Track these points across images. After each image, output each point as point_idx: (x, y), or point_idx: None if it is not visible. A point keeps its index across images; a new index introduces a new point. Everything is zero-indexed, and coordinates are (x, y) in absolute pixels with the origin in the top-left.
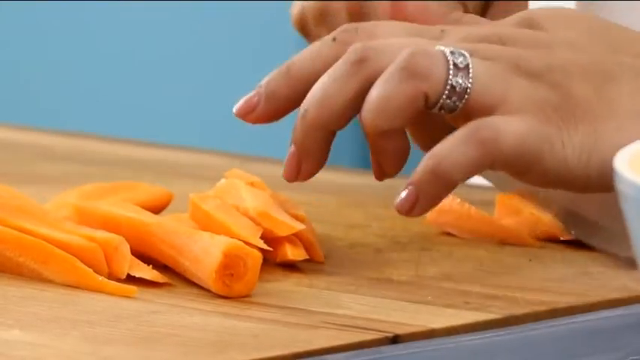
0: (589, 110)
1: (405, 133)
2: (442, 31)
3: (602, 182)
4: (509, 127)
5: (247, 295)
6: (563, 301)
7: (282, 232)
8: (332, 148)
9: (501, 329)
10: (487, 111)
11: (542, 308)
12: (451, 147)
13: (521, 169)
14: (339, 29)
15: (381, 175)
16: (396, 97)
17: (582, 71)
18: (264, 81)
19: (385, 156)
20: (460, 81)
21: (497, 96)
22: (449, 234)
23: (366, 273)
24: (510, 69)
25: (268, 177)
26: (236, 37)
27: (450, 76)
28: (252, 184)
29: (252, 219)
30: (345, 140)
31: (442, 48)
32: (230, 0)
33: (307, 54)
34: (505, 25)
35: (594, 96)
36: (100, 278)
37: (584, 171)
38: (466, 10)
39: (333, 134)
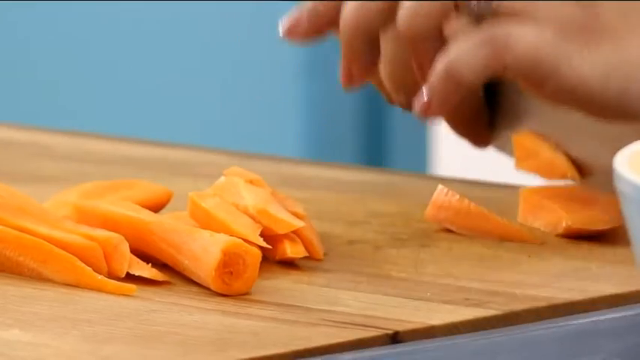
0: (614, 33)
1: (442, 37)
2: None
3: (620, 105)
4: (524, 35)
5: (247, 293)
6: (563, 296)
7: (281, 230)
8: (332, 145)
9: (502, 328)
10: (514, 18)
11: (542, 304)
12: (463, 47)
13: (536, 79)
14: None
15: (350, 80)
16: None
17: None
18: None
19: (420, 61)
20: None
21: (524, 3)
22: (448, 230)
23: (366, 270)
24: None
25: (267, 175)
26: (236, 36)
27: None
28: (251, 182)
29: (251, 217)
30: (344, 137)
31: None
32: (230, 0)
33: None
34: None
35: (621, 21)
36: (100, 277)
37: (603, 90)
38: None
39: (376, 35)
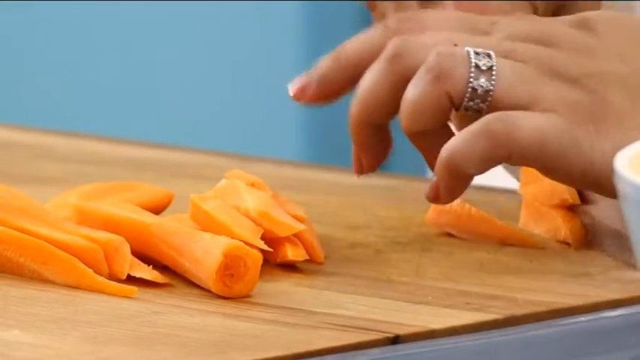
0: (623, 119)
1: (448, 129)
2: (493, 23)
3: None
4: (528, 122)
5: (247, 296)
6: (564, 301)
7: (282, 233)
8: (334, 148)
9: (502, 330)
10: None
11: (543, 309)
12: (463, 140)
13: (546, 166)
14: (392, 17)
15: (361, 170)
16: (423, 99)
17: (621, 81)
18: (317, 64)
19: (430, 155)
20: (482, 83)
21: (524, 97)
22: (449, 234)
23: (367, 273)
24: (544, 72)
25: (269, 177)
26: (237, 38)
27: (472, 78)
28: (252, 185)
29: (252, 219)
30: (346, 140)
31: (468, 49)
32: (231, 0)
33: (358, 40)
34: (557, 23)
35: (630, 106)
36: (101, 279)
37: (612, 176)
38: (535, 12)
39: (382, 127)
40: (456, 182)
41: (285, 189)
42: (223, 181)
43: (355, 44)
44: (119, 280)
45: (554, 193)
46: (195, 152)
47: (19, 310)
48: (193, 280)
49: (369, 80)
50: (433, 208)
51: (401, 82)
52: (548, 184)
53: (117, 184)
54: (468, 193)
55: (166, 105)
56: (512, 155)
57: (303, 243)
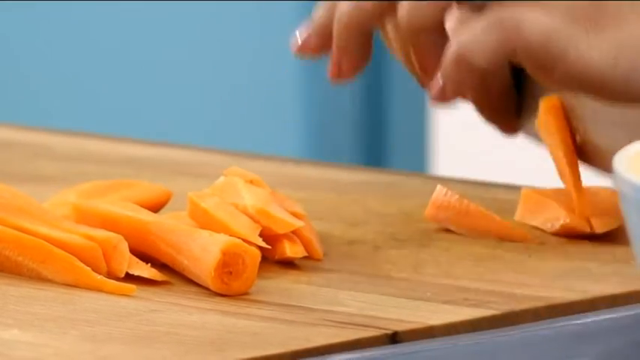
0: (619, 16)
1: (443, 34)
2: None
3: (628, 87)
4: (535, 19)
5: (246, 293)
6: (563, 296)
7: (280, 230)
8: (332, 145)
9: (501, 328)
10: (521, 5)
11: (542, 304)
12: (474, 32)
13: (545, 64)
14: None
15: (339, 74)
16: None
17: None
18: (314, 16)
19: (422, 56)
20: None
21: None
22: (448, 230)
23: (365, 270)
24: None
25: (267, 175)
26: (235, 37)
27: None
28: (250, 182)
29: (250, 217)
30: (344, 137)
31: None
32: (228, 0)
33: None
34: None
35: (626, 9)
36: (99, 277)
37: (611, 73)
38: None
39: (369, 32)
40: (464, 75)
41: (283, 186)
42: (221, 179)
43: None
44: (117, 279)
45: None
46: (194, 150)
47: (17, 309)
48: (192, 277)
49: None
50: (432, 204)
51: None
52: (554, 212)
53: (115, 183)
54: (466, 189)
55: (165, 104)
56: (518, 52)
57: (301, 240)
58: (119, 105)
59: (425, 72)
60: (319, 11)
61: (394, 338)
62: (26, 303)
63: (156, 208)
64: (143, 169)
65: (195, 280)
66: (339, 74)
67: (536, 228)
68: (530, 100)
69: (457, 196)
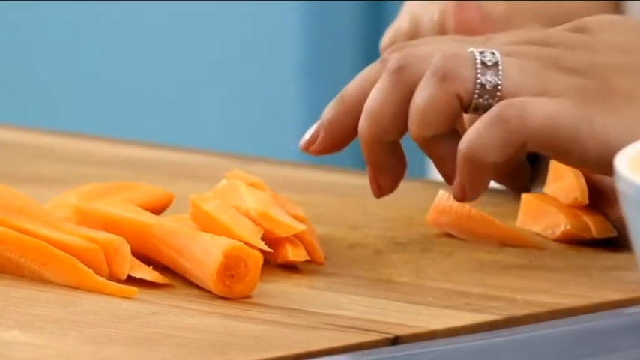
0: (631, 99)
1: (457, 135)
2: (488, 38)
3: None
4: (539, 106)
5: (248, 296)
6: (564, 302)
7: (282, 233)
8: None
9: (502, 330)
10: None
11: (543, 309)
12: (477, 130)
13: (559, 149)
14: (387, 51)
15: (380, 192)
16: (432, 102)
17: (624, 69)
18: (324, 112)
19: (441, 161)
20: (490, 78)
21: (532, 88)
22: (449, 235)
23: (367, 274)
24: (547, 66)
25: (269, 178)
26: (236, 38)
27: (479, 74)
28: (252, 185)
29: (252, 220)
30: None
31: (471, 49)
32: (228, 0)
33: (358, 78)
34: (554, 30)
35: (636, 89)
36: (101, 279)
37: None
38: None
39: (394, 145)
40: (479, 174)
41: (285, 189)
42: (223, 182)
43: (357, 82)
44: (119, 281)
45: (568, 192)
46: (196, 153)
47: (18, 310)
48: (193, 280)
49: (375, 97)
50: (433, 209)
51: (408, 94)
52: (568, 182)
53: (117, 185)
54: None
55: (166, 106)
56: (527, 141)
57: (303, 243)
58: (121, 107)
59: (447, 178)
60: (327, 110)
61: (395, 342)
62: (27, 304)
63: (157, 210)
64: (145, 171)
65: (197, 282)
66: (380, 192)
67: (538, 233)
68: (543, 169)
69: None
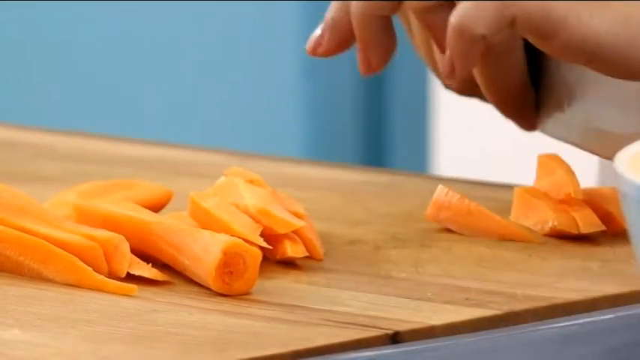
0: None
1: (453, 7)
2: None
3: (629, 58)
4: None
5: (247, 293)
6: (563, 297)
7: (281, 230)
8: (333, 145)
9: (502, 328)
10: None
11: (542, 304)
12: (472, 3)
13: (545, 31)
14: None
15: (369, 68)
16: None
17: None
18: (326, 13)
19: (437, 32)
20: None
21: None
22: (448, 230)
23: (366, 270)
24: None
25: (268, 174)
26: (236, 36)
27: None
28: (251, 182)
29: (251, 216)
30: (345, 137)
31: None
32: (228, 0)
33: None
34: None
35: None
36: (100, 277)
37: (612, 41)
38: None
39: (386, 20)
40: (468, 46)
41: (284, 186)
42: (222, 179)
43: None
44: (118, 279)
45: (560, 187)
46: (195, 150)
47: (18, 309)
48: (193, 277)
49: None
50: (433, 204)
51: None
52: (559, 177)
53: (116, 183)
54: (466, 189)
55: (166, 104)
56: (517, 17)
57: (302, 240)
58: (120, 105)
59: (441, 48)
60: (330, 10)
61: (395, 338)
62: (27, 303)
63: (157, 208)
64: (144, 169)
65: (197, 280)
66: (369, 68)
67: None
68: (548, 95)
69: (458, 196)
